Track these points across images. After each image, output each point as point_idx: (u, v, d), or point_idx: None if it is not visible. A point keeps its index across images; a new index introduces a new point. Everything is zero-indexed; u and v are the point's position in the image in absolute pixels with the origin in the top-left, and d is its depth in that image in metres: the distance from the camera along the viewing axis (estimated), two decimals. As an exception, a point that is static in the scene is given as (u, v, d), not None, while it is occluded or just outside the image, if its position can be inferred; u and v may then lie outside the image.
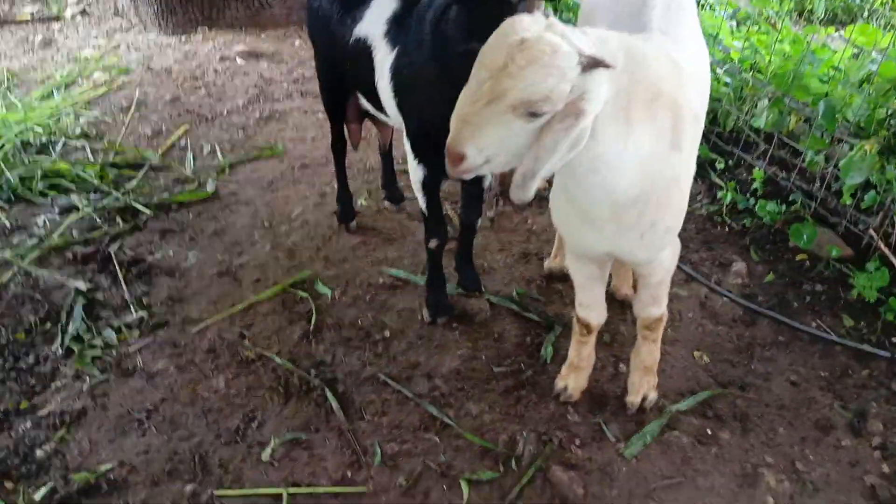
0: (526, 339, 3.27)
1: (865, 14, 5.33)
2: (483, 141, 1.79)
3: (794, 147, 4.11)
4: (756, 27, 4.30)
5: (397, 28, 2.92)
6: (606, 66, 1.81)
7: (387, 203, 4.19)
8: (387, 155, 4.11)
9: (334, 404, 2.94)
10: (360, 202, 4.25)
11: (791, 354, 3.18)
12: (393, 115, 3.11)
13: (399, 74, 2.88)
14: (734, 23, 4.82)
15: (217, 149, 4.83)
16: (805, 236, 3.68)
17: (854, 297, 3.44)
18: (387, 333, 3.32)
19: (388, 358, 3.19)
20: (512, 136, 1.81)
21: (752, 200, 4.06)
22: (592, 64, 1.79)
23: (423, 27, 2.72)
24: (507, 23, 1.82)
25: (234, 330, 3.37)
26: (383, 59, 2.96)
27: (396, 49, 2.88)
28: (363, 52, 3.06)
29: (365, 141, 4.26)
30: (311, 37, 3.62)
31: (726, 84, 4.42)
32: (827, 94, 3.78)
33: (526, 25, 1.80)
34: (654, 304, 2.67)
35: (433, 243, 3.21)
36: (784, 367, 3.11)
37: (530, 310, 3.41)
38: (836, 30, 4.66)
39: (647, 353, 2.82)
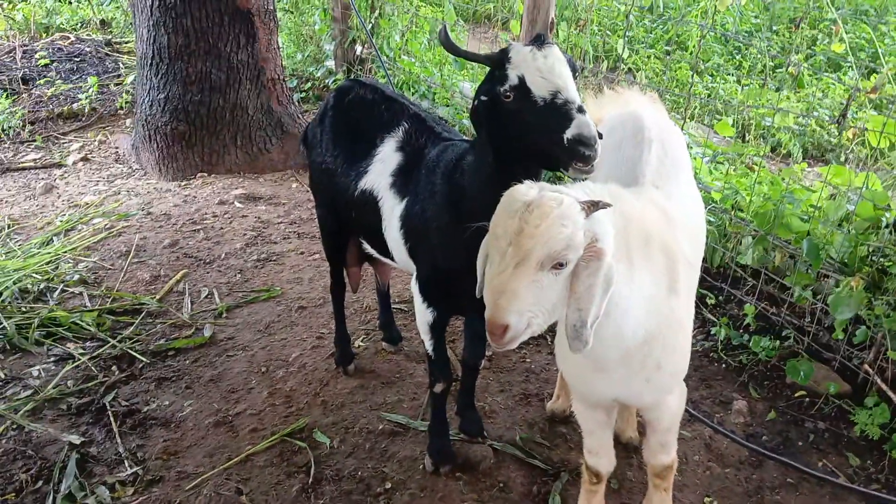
0: (532, 487, 3.20)
1: (839, 155, 5.65)
2: (521, 304, 1.87)
3: (782, 282, 4.23)
4: (733, 169, 4.52)
5: (404, 179, 3.07)
6: (605, 205, 1.97)
7: (385, 344, 4.21)
8: (385, 295, 4.17)
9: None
10: (358, 344, 4.26)
11: (801, 497, 3.13)
12: (401, 260, 3.19)
13: (410, 222, 3.00)
14: (711, 163, 5.08)
15: (214, 293, 4.87)
16: (802, 373, 3.71)
17: (857, 435, 3.43)
18: (388, 485, 3.24)
19: (391, 513, 3.10)
20: (545, 291, 1.91)
21: (745, 336, 4.12)
22: (592, 206, 1.96)
23: (435, 177, 2.87)
24: (507, 195, 1.99)
25: (230, 485, 3.28)
26: (391, 208, 3.10)
27: (406, 199, 3.02)
28: (369, 202, 3.20)
29: (362, 283, 4.34)
30: (313, 189, 3.77)
31: (710, 222, 4.60)
32: (808, 233, 3.93)
33: (524, 191, 1.96)
34: (663, 452, 2.65)
35: (439, 387, 3.20)
36: (794, 510, 3.06)
37: (535, 455, 3.36)
38: (808, 164, 4.90)
39: (659, 502, 2.76)
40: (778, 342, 4.01)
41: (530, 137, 2.39)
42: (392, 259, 3.31)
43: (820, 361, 3.85)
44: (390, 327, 4.19)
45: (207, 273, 5.17)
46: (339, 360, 3.99)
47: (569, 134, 2.22)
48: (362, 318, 4.55)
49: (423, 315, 3.06)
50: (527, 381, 3.92)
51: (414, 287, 3.08)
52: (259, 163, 6.77)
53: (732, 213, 4.44)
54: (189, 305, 4.74)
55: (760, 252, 4.27)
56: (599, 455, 2.72)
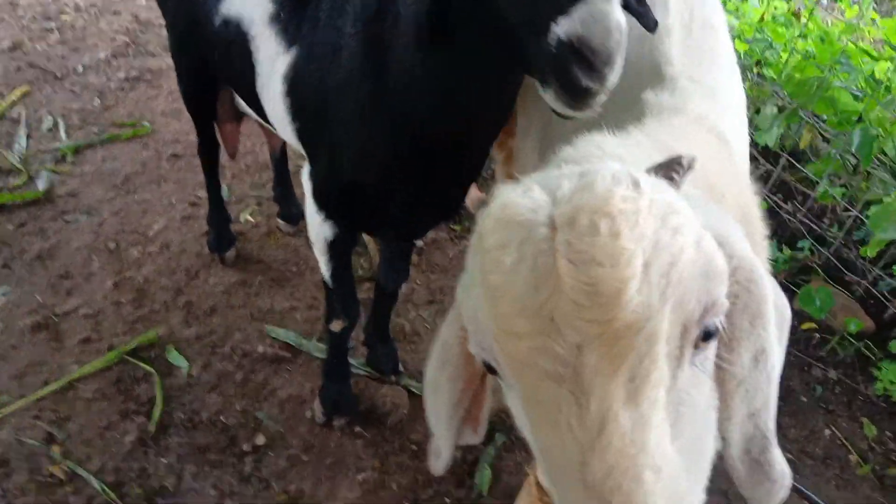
0: (455, 453, 2.37)
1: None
2: (673, 479, 0.76)
3: (804, 172, 3.25)
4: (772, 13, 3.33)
5: (292, 15, 1.86)
6: (689, 162, 0.88)
7: (280, 223, 3.14)
8: (280, 161, 3.04)
9: (172, 567, 2.00)
10: (244, 218, 3.19)
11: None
12: (288, 139, 2.08)
13: (300, 90, 1.86)
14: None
15: (61, 124, 3.63)
16: (818, 301, 2.86)
17: (878, 395, 2.67)
18: (260, 440, 2.37)
19: (259, 484, 2.26)
20: (690, 417, 0.81)
21: (748, 240, 3.21)
22: (671, 170, 0.87)
23: (343, 23, 1.69)
24: (498, 215, 0.82)
25: (39, 427, 2.36)
26: (270, 59, 1.93)
27: (294, 50, 1.85)
28: (236, 41, 2.02)
29: (255, 127, 3.18)
30: (160, 5, 2.50)
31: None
32: (860, 117, 2.90)
33: (530, 199, 0.81)
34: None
35: (337, 325, 2.23)
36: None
37: (463, 405, 2.50)
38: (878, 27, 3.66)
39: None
40: (789, 252, 3.11)
41: (494, 21, 1.27)
42: (275, 129, 2.18)
43: (839, 285, 2.99)
44: (288, 201, 3.10)
45: (55, 93, 3.87)
46: (213, 244, 2.94)
47: (562, 31, 1.10)
48: (256, 178, 3.41)
49: (319, 228, 2.00)
50: (463, 288, 2.99)
51: (306, 184, 1.99)
52: (142, -63, 5.14)
53: (758, 70, 3.33)
54: (23, 141, 3.51)
55: (785, 130, 3.24)
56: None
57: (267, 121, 2.17)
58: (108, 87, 3.93)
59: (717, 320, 0.81)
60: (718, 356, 0.86)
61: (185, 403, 2.46)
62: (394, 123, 1.62)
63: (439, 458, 1.19)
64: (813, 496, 1.88)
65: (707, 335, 0.81)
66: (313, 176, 1.92)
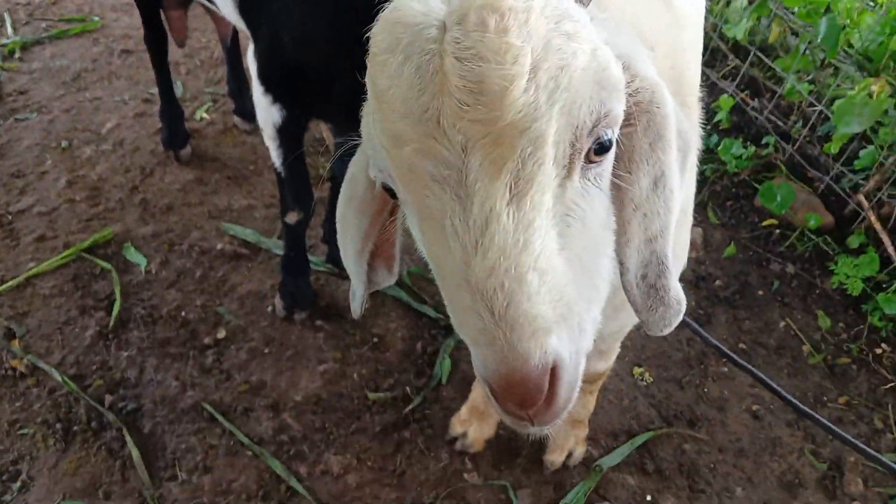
0: (416, 345, 2.41)
1: None
2: (558, 287, 0.75)
3: (773, 69, 3.20)
4: None
5: None
6: None
7: (237, 119, 3.05)
8: (232, 51, 2.92)
9: (135, 454, 2.05)
10: (200, 115, 3.10)
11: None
12: (231, 17, 1.98)
13: None
14: None
15: (6, 18, 3.45)
16: (779, 197, 2.88)
17: (833, 287, 2.72)
18: (221, 334, 2.38)
19: (220, 375, 2.28)
20: (587, 230, 0.80)
21: (714, 138, 3.18)
22: None
23: None
24: (384, 23, 0.79)
25: (-2, 322, 2.35)
26: None
27: None
28: None
29: (208, 21, 3.04)
30: None
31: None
32: (829, 7, 2.83)
33: (417, 4, 0.78)
34: (601, 359, 1.83)
35: (292, 217, 2.20)
36: (743, 388, 2.41)
37: (425, 299, 2.52)
38: None
39: (581, 406, 2.03)
40: (753, 149, 3.10)
41: None
42: (218, 7, 2.08)
43: (801, 181, 3.00)
44: (243, 95, 3.00)
45: (-2, -16, 3.67)
46: (166, 140, 2.86)
47: None
48: (210, 74, 3.30)
49: (266, 112, 1.92)
50: (426, 186, 2.95)
51: (251, 64, 1.91)
52: None
53: (729, -38, 3.23)
54: (-34, 36, 3.35)
55: (755, 22, 3.17)
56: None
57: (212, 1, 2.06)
58: (55, -21, 3.73)
59: (612, 133, 0.79)
60: (617, 175, 0.84)
61: (144, 299, 2.45)
62: (335, 4, 1.53)
63: (355, 299, 1.18)
64: (760, 374, 1.93)
65: (601, 148, 0.79)
66: (257, 55, 1.84)
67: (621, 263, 0.89)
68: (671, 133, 0.86)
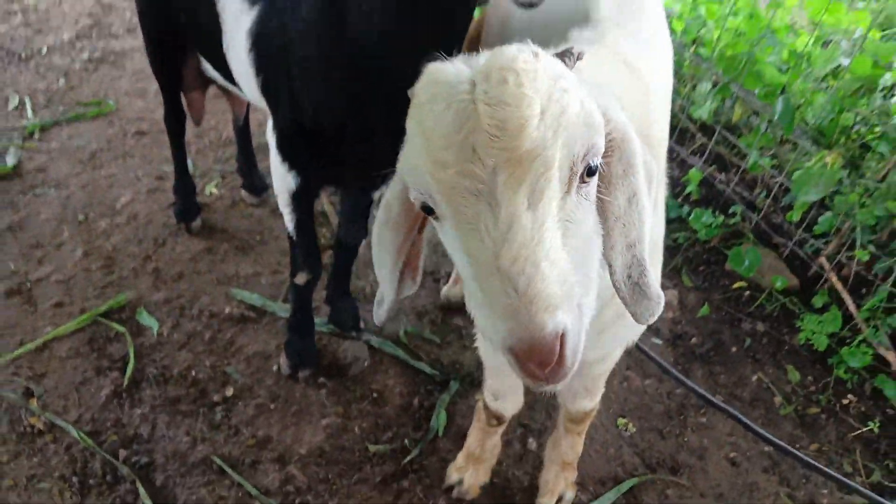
0: (413, 400, 2.56)
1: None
2: (564, 274, 0.99)
3: (736, 144, 3.50)
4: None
5: None
6: (579, 54, 1.15)
7: (244, 194, 3.28)
8: (243, 131, 3.18)
9: (148, 505, 2.15)
10: (209, 190, 3.33)
11: (730, 420, 2.62)
12: (251, 95, 2.23)
13: (264, 43, 2.01)
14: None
15: (27, 102, 3.72)
16: (746, 261, 3.11)
17: (801, 343, 2.91)
18: (229, 392, 2.52)
19: (229, 430, 2.41)
20: (580, 235, 1.05)
21: (685, 208, 3.44)
22: (562, 57, 1.11)
23: None
24: (427, 81, 1.05)
25: (17, 382, 2.48)
26: (235, 16, 2.08)
27: (258, 6, 2.00)
28: (203, 4, 2.16)
29: (218, 104, 3.31)
30: None
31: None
32: (784, 88, 3.14)
33: (454, 68, 1.04)
34: (587, 397, 2.00)
35: (302, 278, 2.39)
36: (722, 437, 2.56)
37: (422, 357, 2.69)
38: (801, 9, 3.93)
39: (569, 447, 2.17)
40: (722, 218, 3.36)
41: None
42: (241, 91, 2.33)
43: (767, 247, 3.25)
44: (251, 172, 3.25)
45: (21, 74, 3.95)
46: (179, 213, 3.07)
47: None
48: (219, 153, 3.55)
49: (283, 180, 2.15)
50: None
51: (270, 137, 2.14)
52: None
53: (693, 49, 3.57)
54: (-11, 119, 3.60)
55: (719, 103, 3.48)
56: (506, 397, 2.05)
57: (232, 81, 2.31)
58: (73, 67, 4.01)
59: (597, 160, 1.04)
60: (601, 192, 1.10)
61: (157, 360, 2.60)
62: (352, 65, 1.76)
63: (382, 306, 1.39)
64: (740, 416, 2.10)
65: (590, 171, 1.04)
66: (276, 126, 2.08)
67: (610, 265, 1.13)
68: (638, 162, 1.12)
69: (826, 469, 1.98)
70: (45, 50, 4.13)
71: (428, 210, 1.09)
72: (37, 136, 3.53)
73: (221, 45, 2.19)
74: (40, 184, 3.28)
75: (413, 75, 1.75)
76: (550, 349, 0.94)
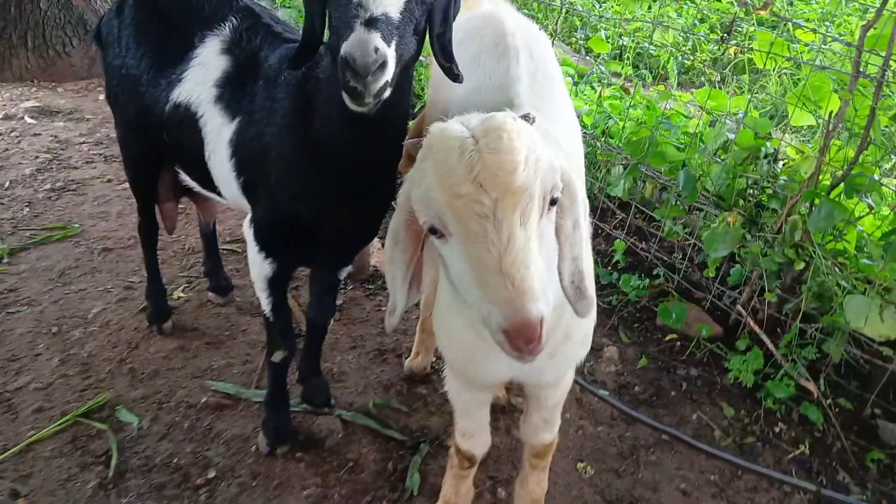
0: (387, 465, 2.74)
1: (717, 78, 5.40)
2: (542, 274, 1.35)
3: (651, 216, 3.95)
4: (606, 88, 4.11)
5: (233, 92, 2.38)
6: (532, 118, 1.59)
7: (211, 295, 3.52)
8: (210, 237, 3.45)
9: (141, 587, 2.23)
10: (177, 295, 3.54)
11: (677, 456, 2.88)
12: (231, 197, 2.53)
13: (243, 149, 2.34)
14: (576, 84, 4.66)
15: (-7, 231, 3.91)
16: (674, 315, 3.47)
17: (731, 382, 3.24)
18: (211, 474, 2.65)
19: (215, 509, 2.53)
20: (546, 247, 1.46)
21: (614, 275, 3.83)
22: (527, 119, 1.56)
23: (276, 92, 2.22)
24: (437, 137, 1.45)
25: (4, 485, 2.56)
26: (216, 130, 2.42)
27: (238, 119, 2.34)
28: (186, 121, 2.49)
29: (182, 216, 3.58)
30: (110, 100, 2.94)
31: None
32: (684, 163, 3.64)
33: (456, 126, 1.46)
34: (546, 429, 2.25)
35: (279, 356, 2.61)
36: (671, 471, 2.81)
37: (391, 425, 2.89)
38: (692, 96, 4.58)
39: (536, 484, 2.39)
40: (647, 280, 3.75)
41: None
42: (219, 194, 2.63)
43: (691, 301, 3.63)
44: (218, 274, 3.50)
45: (-15, 206, 4.16)
46: (151, 316, 3.27)
47: (343, 50, 1.63)
48: (184, 262, 3.80)
49: (259, 267, 2.42)
50: (382, 335, 3.41)
51: (248, 231, 2.43)
52: (57, 69, 5.62)
53: (603, 139, 4.07)
54: (-43, 248, 3.77)
55: (631, 183, 3.95)
56: (475, 437, 2.27)
57: (210, 188, 2.61)
58: (36, 197, 4.25)
59: (557, 194, 1.45)
60: (558, 217, 1.50)
61: (139, 452, 2.72)
62: (321, 159, 2.09)
63: (393, 314, 1.69)
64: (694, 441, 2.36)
65: (553, 202, 1.44)
66: (255, 220, 2.37)
67: (560, 273, 1.53)
68: (579, 198, 1.54)
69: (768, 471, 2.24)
70: (6, 183, 4.36)
71: (433, 231, 1.44)
72: (6, 259, 3.71)
73: (203, 157, 2.50)
74: (12, 303, 3.43)
75: (369, 167, 2.19)
76: (534, 329, 1.29)
